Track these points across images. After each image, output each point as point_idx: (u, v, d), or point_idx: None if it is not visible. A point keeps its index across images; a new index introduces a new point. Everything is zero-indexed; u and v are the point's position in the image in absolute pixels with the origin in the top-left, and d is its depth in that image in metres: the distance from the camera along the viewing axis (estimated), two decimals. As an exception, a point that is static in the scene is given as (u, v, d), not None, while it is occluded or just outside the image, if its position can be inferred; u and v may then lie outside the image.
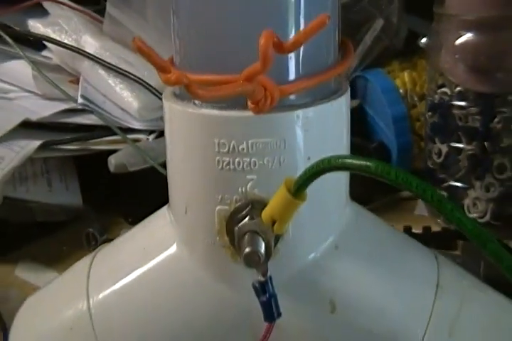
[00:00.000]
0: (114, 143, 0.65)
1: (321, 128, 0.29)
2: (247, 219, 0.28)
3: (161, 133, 0.66)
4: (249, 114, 0.27)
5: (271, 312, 0.28)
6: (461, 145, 0.61)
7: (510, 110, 0.59)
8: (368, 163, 0.23)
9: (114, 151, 0.64)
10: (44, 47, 0.73)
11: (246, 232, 0.28)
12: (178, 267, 0.31)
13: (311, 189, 0.27)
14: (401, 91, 0.71)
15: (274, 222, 0.27)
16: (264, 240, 0.27)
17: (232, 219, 0.29)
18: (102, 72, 0.68)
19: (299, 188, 0.25)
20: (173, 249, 0.32)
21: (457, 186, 0.62)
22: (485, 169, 0.60)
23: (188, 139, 0.29)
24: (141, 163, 0.62)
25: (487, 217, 0.60)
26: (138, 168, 0.62)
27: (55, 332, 0.34)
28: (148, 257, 0.32)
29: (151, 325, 0.32)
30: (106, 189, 0.67)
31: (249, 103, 0.27)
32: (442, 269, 0.33)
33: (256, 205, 0.28)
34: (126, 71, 0.66)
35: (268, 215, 0.27)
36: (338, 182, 0.31)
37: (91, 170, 0.68)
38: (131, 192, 0.67)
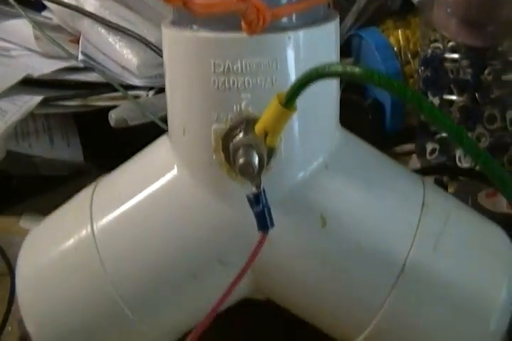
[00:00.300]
0: (114, 99, 0.67)
1: (311, 51, 0.30)
2: (241, 135, 0.30)
3: (160, 90, 0.68)
4: (242, 35, 0.29)
5: (264, 222, 0.30)
6: (452, 98, 0.62)
7: (500, 62, 0.60)
8: (354, 69, 0.25)
9: (114, 108, 0.65)
10: (44, 7, 0.74)
11: (240, 147, 0.29)
12: (179, 188, 0.33)
13: (302, 107, 0.29)
14: (395, 48, 0.72)
15: (266, 135, 0.29)
16: (257, 153, 0.29)
17: (227, 137, 0.30)
18: (102, 30, 0.69)
19: (289, 98, 0.27)
20: (173, 171, 0.33)
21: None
22: (476, 120, 0.62)
23: (186, 62, 0.31)
24: (141, 118, 0.64)
25: (478, 167, 0.62)
26: (138, 122, 0.63)
27: (61, 254, 0.35)
28: (149, 181, 0.34)
29: (153, 246, 0.34)
30: (106, 145, 0.69)
31: (242, 23, 0.28)
32: (428, 190, 0.34)
33: (250, 123, 0.30)
34: (126, 28, 0.67)
35: (261, 128, 0.28)
36: (328, 103, 0.33)
37: (91, 128, 0.70)
38: (130, 148, 0.68)
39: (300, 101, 0.28)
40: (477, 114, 0.62)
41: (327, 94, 0.32)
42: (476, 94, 0.61)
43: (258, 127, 0.28)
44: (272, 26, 0.29)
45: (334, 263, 0.33)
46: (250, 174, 0.29)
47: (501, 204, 0.55)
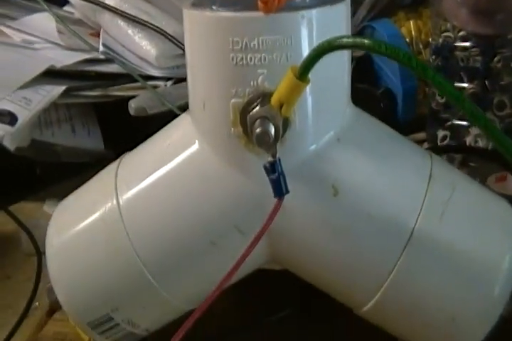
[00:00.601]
0: (133, 89, 0.69)
1: (324, 29, 0.32)
2: (257, 108, 0.32)
3: (178, 80, 0.70)
4: (259, 14, 0.31)
5: (280, 189, 0.32)
6: (463, 85, 0.64)
7: (509, 50, 0.62)
8: (363, 40, 0.27)
9: (133, 97, 0.67)
10: (66, 2, 0.77)
11: (257, 118, 0.31)
12: (200, 161, 0.35)
13: (315, 81, 0.31)
14: (407, 39, 0.74)
15: (281, 107, 0.31)
16: (273, 124, 0.31)
17: (245, 110, 0.32)
18: (121, 23, 0.71)
19: (303, 71, 0.29)
20: (194, 145, 0.35)
21: (459, 124, 0.65)
22: (485, 107, 0.63)
23: (206, 40, 0.33)
24: (159, 107, 0.66)
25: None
26: (156, 111, 0.66)
27: (87, 225, 0.38)
28: (171, 154, 0.36)
29: (175, 215, 0.36)
30: (126, 133, 0.71)
31: (259, 3, 0.30)
32: (435, 163, 0.36)
33: (266, 97, 0.32)
34: (144, 21, 0.70)
35: (276, 99, 0.30)
36: (339, 79, 0.34)
37: (111, 117, 0.73)
38: (149, 136, 0.70)
39: (313, 75, 0.30)
40: (487, 100, 0.63)
41: (339, 70, 0.34)
42: (486, 82, 0.63)
43: (274, 99, 0.30)
44: (286, 5, 0.31)
45: (345, 231, 0.35)
46: (266, 144, 0.31)
47: (511, 187, 0.56)
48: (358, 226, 0.35)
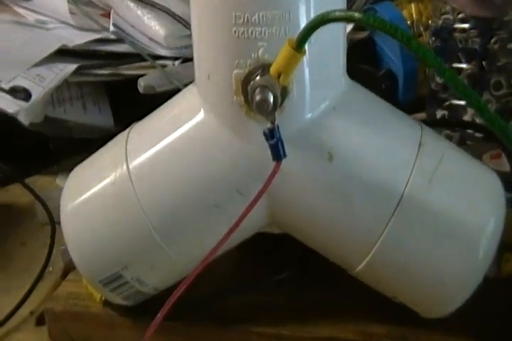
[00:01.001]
0: (142, 68, 0.72)
1: (320, 4, 0.35)
2: (258, 77, 0.34)
3: (185, 60, 0.72)
4: (260, -10, 0.33)
5: (278, 153, 0.34)
6: (461, 66, 0.66)
7: (506, 31, 0.64)
8: (353, 13, 0.29)
9: (142, 76, 0.70)
10: (77, -16, 0.79)
11: (257, 87, 0.34)
12: (205, 128, 0.38)
13: (311, 53, 0.34)
14: (408, 21, 0.76)
15: (279, 76, 0.33)
16: (272, 92, 0.33)
17: (246, 80, 0.35)
18: (131, 4, 0.74)
19: (299, 42, 0.31)
20: (200, 113, 0.38)
21: (457, 104, 0.67)
22: (483, 87, 0.66)
23: (210, 15, 0.35)
24: (167, 85, 0.68)
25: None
26: (165, 89, 0.68)
27: (100, 188, 0.40)
28: (179, 122, 0.39)
29: (181, 179, 0.39)
30: (135, 111, 0.74)
31: (260, -20, 0.33)
32: (425, 132, 0.39)
33: (265, 68, 0.34)
34: (153, 2, 0.72)
35: (274, 69, 0.33)
36: (334, 51, 0.37)
37: (121, 95, 0.75)
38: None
39: (309, 47, 0.33)
40: (484, 80, 0.65)
41: (334, 42, 0.37)
42: (483, 62, 0.65)
43: (272, 69, 0.33)
44: (285, -18, 0.33)
45: (339, 194, 0.37)
46: (266, 111, 0.33)
47: (505, 165, 0.59)
48: (351, 189, 0.37)
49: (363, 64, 0.77)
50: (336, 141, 0.37)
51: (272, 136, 0.34)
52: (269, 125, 0.34)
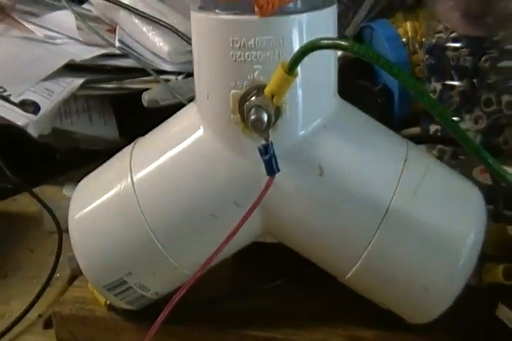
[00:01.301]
0: (147, 82, 0.75)
1: (312, 31, 0.37)
2: (253, 98, 0.37)
3: (188, 74, 0.75)
4: (256, 17, 0.36)
5: (271, 167, 0.37)
6: (453, 83, 0.69)
7: (496, 51, 0.67)
8: (340, 41, 0.32)
9: (146, 90, 0.73)
10: (85, 1, 0.82)
11: (252, 107, 0.37)
12: (204, 144, 0.40)
13: (304, 75, 0.36)
14: (404, 39, 0.79)
15: (273, 97, 0.36)
16: (266, 111, 0.36)
17: (242, 100, 0.38)
18: (136, 20, 0.77)
19: (291, 66, 0.34)
20: (199, 131, 0.41)
21: (449, 119, 0.70)
22: (474, 103, 0.68)
23: (210, 39, 0.38)
24: (170, 99, 0.71)
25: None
26: (168, 102, 0.71)
27: (105, 199, 0.43)
28: (179, 138, 0.41)
29: (181, 192, 0.41)
30: (139, 123, 0.77)
31: (255, 8, 0.36)
32: (411, 148, 0.41)
33: (260, 89, 0.37)
34: (158, 19, 0.75)
35: (268, 91, 0.36)
36: (326, 72, 0.40)
37: (126, 109, 0.78)
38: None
39: (302, 70, 0.35)
40: (475, 97, 0.68)
41: (325, 65, 0.39)
42: (474, 80, 0.68)
43: (266, 90, 0.36)
44: (280, 10, 0.36)
45: (329, 207, 0.40)
46: (260, 129, 0.36)
47: (494, 178, 0.61)
48: (340, 202, 0.40)
49: (360, 79, 0.80)
50: (326, 157, 0.39)
51: (266, 152, 0.36)
52: (263, 142, 0.37)
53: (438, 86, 0.71)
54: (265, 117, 0.36)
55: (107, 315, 0.47)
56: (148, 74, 0.74)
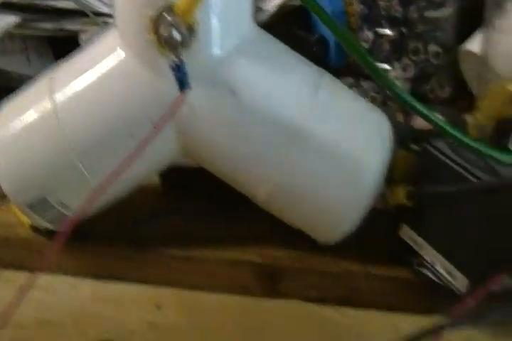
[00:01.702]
0: (85, 24, 0.75)
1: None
2: (166, 17, 0.38)
3: (126, 18, 0.76)
4: None
5: (183, 83, 0.38)
6: (385, 32, 0.71)
7: (424, 1, 0.69)
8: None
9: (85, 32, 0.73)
10: None
11: (165, 26, 0.38)
12: (122, 65, 0.42)
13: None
14: (340, -10, 0.80)
15: (185, 15, 0.37)
16: (178, 30, 0.38)
17: (157, 21, 0.39)
18: (75, -39, 0.76)
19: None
20: (118, 51, 0.42)
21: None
22: (402, 52, 0.71)
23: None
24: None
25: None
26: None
27: (27, 122, 0.44)
28: (100, 59, 0.43)
29: (101, 111, 0.43)
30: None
31: None
32: (324, 76, 0.44)
33: (172, 8, 0.38)
34: (97, -40, 0.75)
35: (180, 9, 0.37)
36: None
37: (65, 51, 0.78)
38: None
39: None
40: (403, 46, 0.70)
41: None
42: (404, 29, 0.70)
43: (177, 9, 0.37)
44: None
45: (241, 128, 0.42)
46: (173, 46, 0.38)
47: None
48: (251, 124, 0.42)
49: (297, 29, 0.82)
50: (239, 79, 0.41)
51: (178, 69, 0.38)
52: (175, 59, 0.38)
53: (370, 35, 0.73)
54: (177, 35, 0.38)
55: (32, 236, 0.49)
56: (87, 16, 0.74)
